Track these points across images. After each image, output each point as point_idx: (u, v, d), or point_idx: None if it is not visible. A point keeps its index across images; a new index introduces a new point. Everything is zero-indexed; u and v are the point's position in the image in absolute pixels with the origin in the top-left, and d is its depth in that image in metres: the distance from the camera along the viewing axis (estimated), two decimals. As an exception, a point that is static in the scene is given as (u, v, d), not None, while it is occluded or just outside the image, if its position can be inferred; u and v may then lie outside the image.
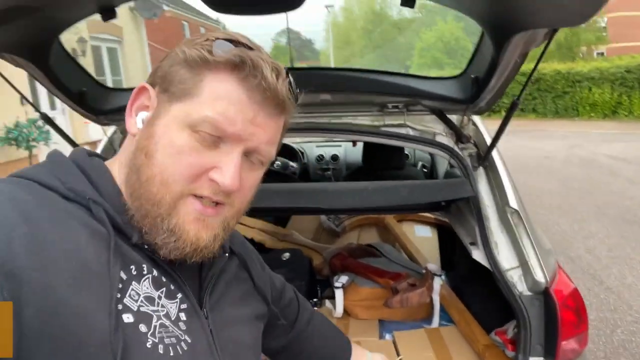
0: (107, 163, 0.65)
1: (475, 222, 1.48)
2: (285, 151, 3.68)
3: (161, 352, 0.57)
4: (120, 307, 0.54)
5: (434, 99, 1.48)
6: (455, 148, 1.56)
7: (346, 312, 1.84)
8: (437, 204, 1.89)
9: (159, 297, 0.60)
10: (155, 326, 0.58)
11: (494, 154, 1.55)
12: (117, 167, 0.64)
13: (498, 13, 1.04)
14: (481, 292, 1.69)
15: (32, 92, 6.84)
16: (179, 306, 0.63)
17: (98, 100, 1.43)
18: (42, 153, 6.45)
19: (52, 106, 7.42)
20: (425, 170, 3.34)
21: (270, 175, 2.46)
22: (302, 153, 3.80)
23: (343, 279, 1.86)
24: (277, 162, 3.43)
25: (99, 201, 0.58)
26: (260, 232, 2.52)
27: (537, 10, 0.95)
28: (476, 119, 1.66)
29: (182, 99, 0.60)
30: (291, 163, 3.71)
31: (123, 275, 0.56)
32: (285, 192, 1.42)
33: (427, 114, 1.61)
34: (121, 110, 1.49)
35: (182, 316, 0.63)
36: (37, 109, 1.32)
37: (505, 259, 1.37)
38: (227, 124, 0.59)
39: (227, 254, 0.77)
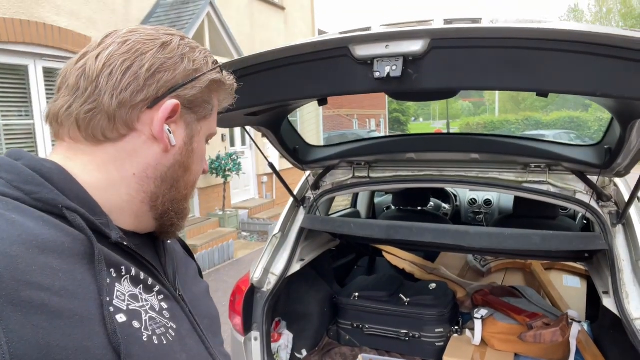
0: (78, 161, 0.63)
1: (609, 273, 1.65)
2: (438, 193, 3.97)
3: (156, 342, 0.60)
4: (112, 309, 0.55)
5: (572, 162, 1.71)
6: (594, 205, 1.76)
7: (484, 342, 2.10)
8: (580, 254, 2.05)
9: (140, 293, 0.62)
10: (145, 320, 0.60)
11: (633, 212, 1.71)
12: (113, 171, 0.63)
13: (620, 104, 1.30)
14: (620, 342, 1.80)
15: (230, 134, 8.46)
16: (157, 297, 0.65)
17: (304, 154, 2.02)
18: (233, 181, 7.81)
19: (243, 142, 8.92)
20: (585, 222, 3.33)
21: (423, 215, 2.86)
22: (455, 196, 4.01)
23: (483, 311, 2.13)
24: (431, 204, 3.74)
25: (72, 207, 0.57)
26: (412, 264, 2.89)
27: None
28: (617, 180, 1.82)
29: (206, 118, 0.70)
30: (444, 205, 3.99)
31: (107, 279, 0.57)
32: (434, 230, 1.79)
33: (569, 173, 1.83)
34: (317, 161, 2.06)
35: (164, 305, 0.65)
36: (268, 161, 1.92)
37: (635, 308, 1.53)
38: None
39: (169, 240, 0.80)
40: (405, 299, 2.23)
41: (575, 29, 0.96)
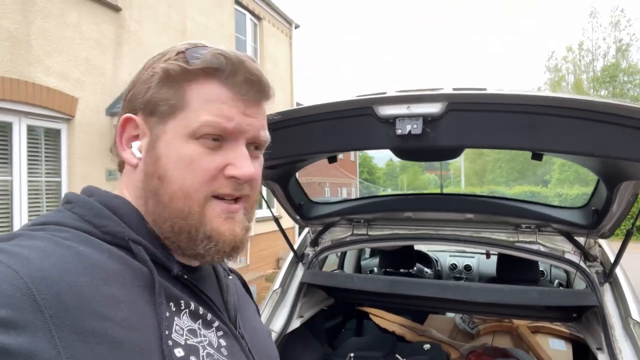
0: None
1: (601, 329, 1.73)
2: (421, 258, 4.05)
3: None
4: (170, 343, 0.56)
5: (561, 223, 1.84)
6: (582, 264, 1.87)
7: (481, 403, 2.09)
8: (570, 314, 2.13)
9: (199, 328, 0.62)
10: (202, 356, 0.59)
11: (619, 272, 1.83)
12: (132, 201, 0.64)
13: (607, 167, 1.45)
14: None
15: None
16: (216, 333, 0.64)
17: (307, 211, 2.09)
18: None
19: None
20: (561, 287, 3.45)
21: (410, 277, 2.88)
22: (437, 261, 4.10)
23: (479, 372, 2.14)
24: (415, 268, 3.81)
25: (137, 240, 0.59)
26: (401, 326, 2.90)
27: (636, 168, 1.35)
28: (602, 241, 1.96)
29: (173, 115, 0.61)
30: (426, 269, 4.06)
31: (167, 312, 0.57)
32: (436, 285, 1.85)
33: (557, 234, 1.95)
34: (318, 218, 2.13)
35: (222, 342, 0.64)
36: (273, 215, 1.97)
37: (629, 363, 1.60)
38: (226, 121, 0.61)
39: (230, 276, 0.80)
40: (401, 360, 2.23)
41: (577, 98, 1.11)
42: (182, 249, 0.63)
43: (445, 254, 4.18)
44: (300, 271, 2.18)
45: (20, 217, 5.07)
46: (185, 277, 0.63)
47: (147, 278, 0.57)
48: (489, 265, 3.86)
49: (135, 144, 0.63)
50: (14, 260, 0.49)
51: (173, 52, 0.64)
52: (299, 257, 2.20)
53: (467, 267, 3.98)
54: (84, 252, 0.54)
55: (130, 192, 0.65)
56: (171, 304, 0.59)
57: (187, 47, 0.63)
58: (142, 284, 0.57)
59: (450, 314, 3.14)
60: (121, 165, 0.68)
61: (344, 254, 3.45)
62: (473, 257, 4.05)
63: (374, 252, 4.05)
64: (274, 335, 1.95)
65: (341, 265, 3.58)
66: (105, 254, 0.56)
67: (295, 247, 2.23)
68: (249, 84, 0.63)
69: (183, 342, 0.58)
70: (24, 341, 0.44)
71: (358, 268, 3.74)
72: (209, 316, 0.65)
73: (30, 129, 5.24)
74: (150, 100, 0.62)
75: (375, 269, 3.84)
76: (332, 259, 3.41)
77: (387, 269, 3.23)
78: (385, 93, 1.33)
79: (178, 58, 0.62)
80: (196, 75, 0.62)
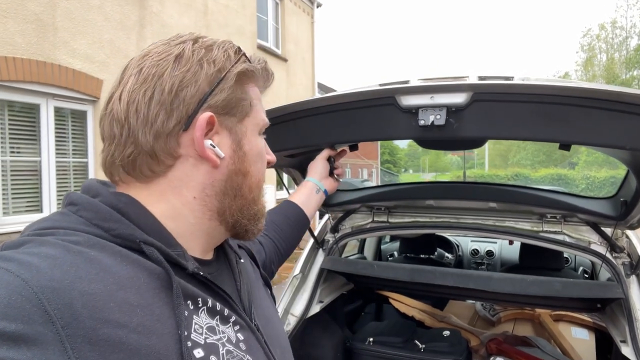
0: (140, 197, 0.62)
1: (626, 322, 1.70)
2: (442, 243, 4.02)
3: None
4: (189, 344, 0.55)
5: (588, 214, 1.80)
6: (608, 256, 1.83)
7: (500, 391, 2.09)
8: (594, 305, 2.09)
9: (217, 325, 0.61)
10: (222, 354, 0.59)
11: (646, 264, 1.78)
12: (173, 200, 0.63)
13: (638, 159, 1.40)
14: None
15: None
16: (234, 328, 0.64)
17: (328, 197, 2.08)
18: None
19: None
20: (586, 275, 3.38)
21: (430, 263, 2.89)
22: (458, 246, 4.06)
23: (499, 360, 2.13)
24: (435, 253, 3.80)
25: (150, 241, 0.57)
26: (421, 312, 2.90)
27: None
28: (629, 232, 1.90)
29: (248, 114, 0.67)
30: (447, 254, 4.03)
31: (185, 312, 0.56)
32: (457, 275, 1.84)
33: (583, 224, 1.91)
34: (339, 205, 2.12)
35: (240, 337, 0.64)
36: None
37: (654, 358, 1.57)
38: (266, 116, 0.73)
39: (242, 259, 0.79)
40: (420, 346, 2.24)
41: (607, 89, 1.06)
42: (242, 232, 0.70)
43: (466, 239, 4.13)
44: (320, 257, 2.19)
45: (50, 197, 5.21)
46: (201, 273, 0.62)
47: (162, 279, 0.56)
48: (512, 251, 3.80)
49: (207, 142, 0.62)
50: (24, 270, 0.47)
51: (225, 51, 0.65)
52: (319, 243, 2.21)
53: (489, 253, 3.93)
54: (96, 257, 0.52)
55: (193, 191, 0.63)
56: (189, 302, 0.58)
57: (233, 47, 0.67)
58: (158, 285, 0.55)
59: (470, 300, 3.13)
60: (161, 165, 0.62)
61: (364, 238, 3.45)
62: (495, 242, 3.98)
63: (394, 237, 4.04)
64: (294, 320, 1.97)
65: (361, 250, 3.59)
66: (118, 257, 0.54)
67: (316, 233, 2.24)
68: (268, 83, 0.73)
69: (202, 342, 0.57)
70: (34, 355, 0.43)
71: (378, 252, 3.74)
72: (226, 311, 0.64)
73: (57, 111, 5.35)
74: (230, 102, 0.64)
75: (396, 253, 3.84)
76: (352, 243, 3.43)
77: (408, 254, 3.23)
78: (408, 82, 1.30)
79: (245, 60, 0.67)
80: (255, 77, 0.69)
